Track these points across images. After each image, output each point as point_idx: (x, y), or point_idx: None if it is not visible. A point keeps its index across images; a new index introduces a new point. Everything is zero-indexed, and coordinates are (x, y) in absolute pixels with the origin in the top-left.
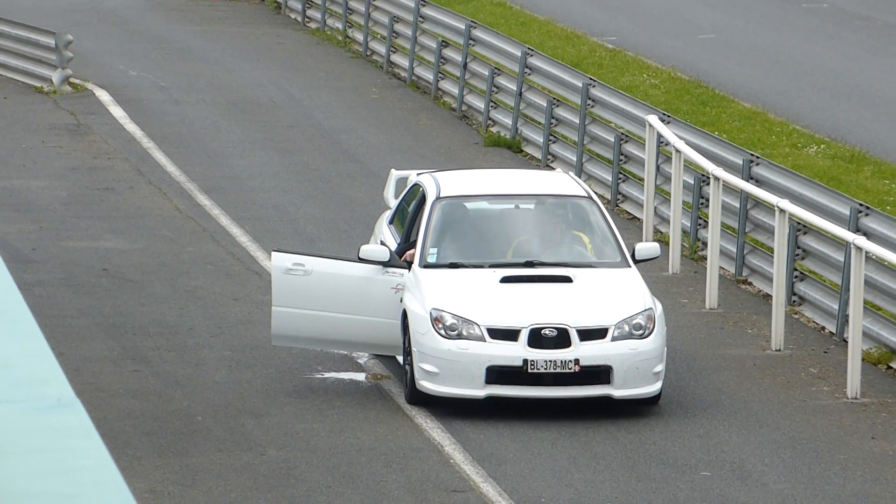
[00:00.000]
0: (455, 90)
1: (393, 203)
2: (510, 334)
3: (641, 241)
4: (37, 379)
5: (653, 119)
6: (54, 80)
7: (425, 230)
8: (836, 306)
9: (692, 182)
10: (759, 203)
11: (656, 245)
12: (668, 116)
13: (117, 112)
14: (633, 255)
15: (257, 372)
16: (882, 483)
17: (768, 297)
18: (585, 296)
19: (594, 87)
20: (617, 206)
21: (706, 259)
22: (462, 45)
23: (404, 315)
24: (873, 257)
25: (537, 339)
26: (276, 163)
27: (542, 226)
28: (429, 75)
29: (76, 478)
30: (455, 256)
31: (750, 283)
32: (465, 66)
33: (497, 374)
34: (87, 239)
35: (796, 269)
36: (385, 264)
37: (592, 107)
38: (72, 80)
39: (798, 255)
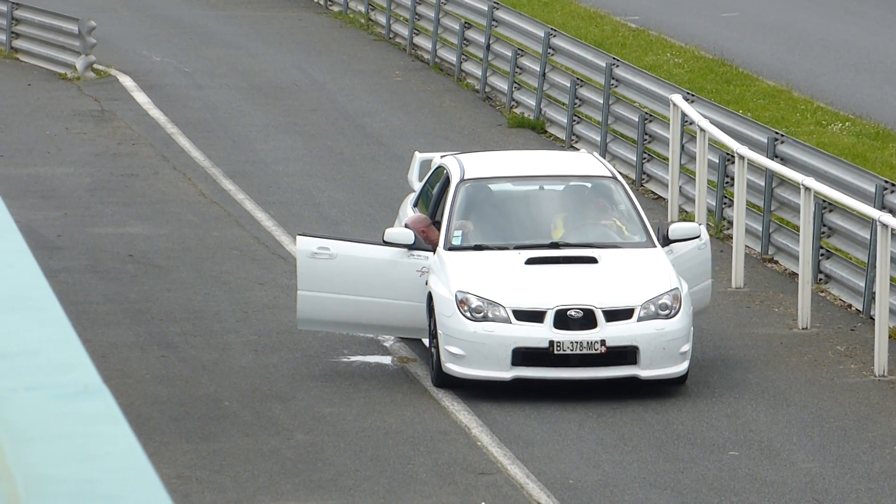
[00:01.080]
0: (478, 72)
1: (417, 186)
2: (536, 316)
3: (667, 220)
4: (63, 365)
5: (677, 98)
6: (78, 66)
7: (450, 212)
8: (862, 284)
9: (717, 161)
10: (784, 181)
11: (695, 225)
12: (693, 95)
13: (141, 98)
14: (666, 236)
15: (284, 356)
16: None
17: (794, 275)
18: (611, 276)
19: (618, 66)
20: (642, 185)
21: (732, 238)
22: (485, 27)
23: (430, 298)
24: None
25: (563, 320)
26: (299, 147)
27: (567, 206)
28: (452, 57)
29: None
30: (480, 238)
31: (776, 262)
32: (488, 47)
33: (523, 355)
34: (113, 225)
35: (822, 247)
36: (410, 247)
37: (616, 87)
38: (95, 66)
39: (824, 232)
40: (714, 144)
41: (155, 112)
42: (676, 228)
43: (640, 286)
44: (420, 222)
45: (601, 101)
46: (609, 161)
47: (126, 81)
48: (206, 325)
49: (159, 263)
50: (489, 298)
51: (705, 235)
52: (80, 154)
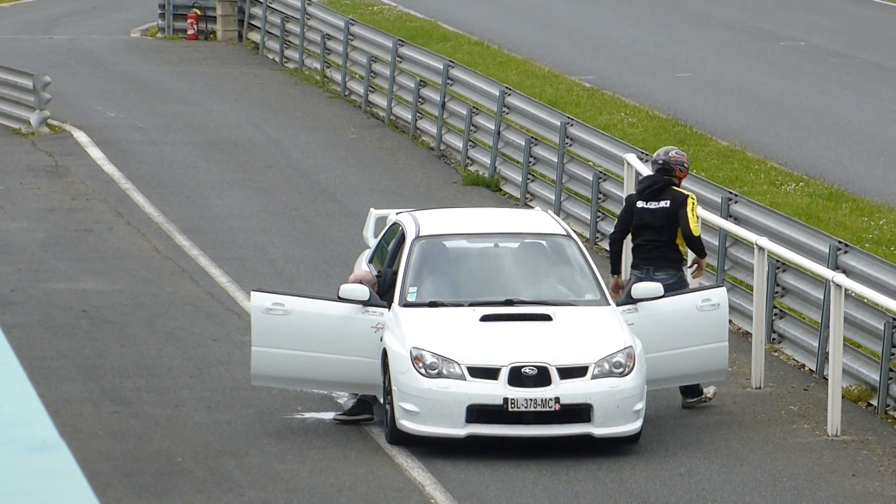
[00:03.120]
0: (433, 129)
1: (372, 242)
2: (490, 373)
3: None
4: (21, 419)
5: (631, 157)
6: (32, 121)
7: (405, 269)
8: (815, 344)
9: None
10: (737, 241)
11: (658, 285)
12: (647, 154)
13: (95, 153)
14: (629, 295)
15: (237, 412)
16: None
17: (748, 334)
18: (565, 334)
19: (572, 125)
20: (596, 244)
21: None
22: (440, 85)
23: (384, 354)
24: (853, 294)
25: (517, 377)
26: (254, 203)
27: (521, 264)
28: (407, 115)
29: None
30: (435, 295)
31: (729, 321)
32: (443, 105)
33: (477, 412)
34: (66, 280)
35: (776, 307)
36: (365, 303)
37: (570, 145)
38: (50, 121)
39: (777, 292)
40: None
41: (109, 167)
42: (639, 288)
43: (594, 344)
44: (364, 279)
45: (556, 160)
46: (563, 219)
47: (80, 137)
48: (160, 381)
49: (113, 319)
50: (444, 355)
51: (719, 297)
52: (34, 209)
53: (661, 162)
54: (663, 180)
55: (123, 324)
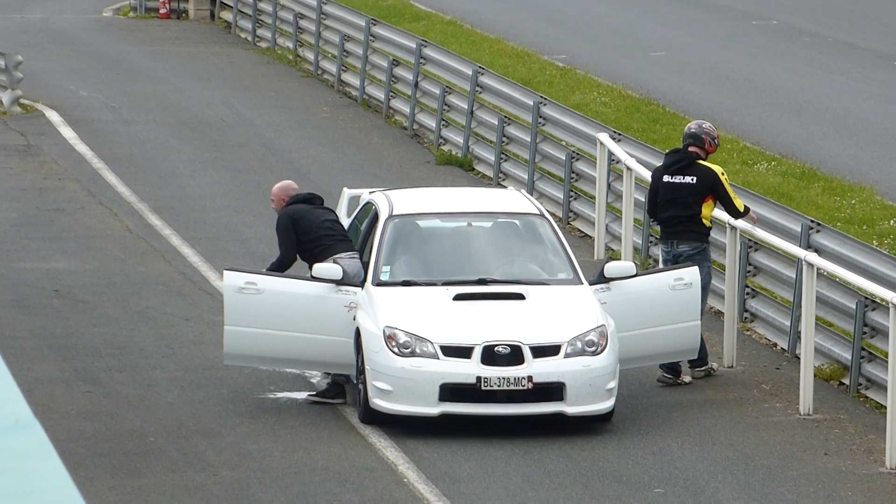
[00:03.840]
0: (406, 109)
1: (346, 222)
2: (463, 352)
3: (593, 258)
4: None
5: (604, 137)
6: (4, 100)
7: (378, 248)
8: (787, 323)
9: (643, 199)
10: None
11: (630, 264)
12: (619, 134)
13: (67, 133)
14: (602, 274)
15: (210, 392)
16: (835, 500)
17: (720, 314)
18: (538, 313)
19: (545, 105)
20: (569, 223)
21: None
22: (413, 64)
23: (357, 333)
24: (825, 273)
25: (490, 356)
26: (227, 182)
27: (494, 243)
28: (380, 94)
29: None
30: (408, 274)
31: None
32: (416, 84)
33: (450, 391)
34: (38, 260)
35: (748, 286)
36: (338, 282)
37: (543, 125)
38: (21, 100)
39: (749, 271)
40: (640, 183)
41: (81, 147)
42: (612, 267)
43: (567, 323)
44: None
45: (528, 140)
46: (536, 199)
47: (53, 116)
48: (132, 360)
49: (85, 299)
50: (417, 334)
51: (691, 276)
52: (6, 189)
53: (693, 131)
54: (689, 156)
55: (95, 303)
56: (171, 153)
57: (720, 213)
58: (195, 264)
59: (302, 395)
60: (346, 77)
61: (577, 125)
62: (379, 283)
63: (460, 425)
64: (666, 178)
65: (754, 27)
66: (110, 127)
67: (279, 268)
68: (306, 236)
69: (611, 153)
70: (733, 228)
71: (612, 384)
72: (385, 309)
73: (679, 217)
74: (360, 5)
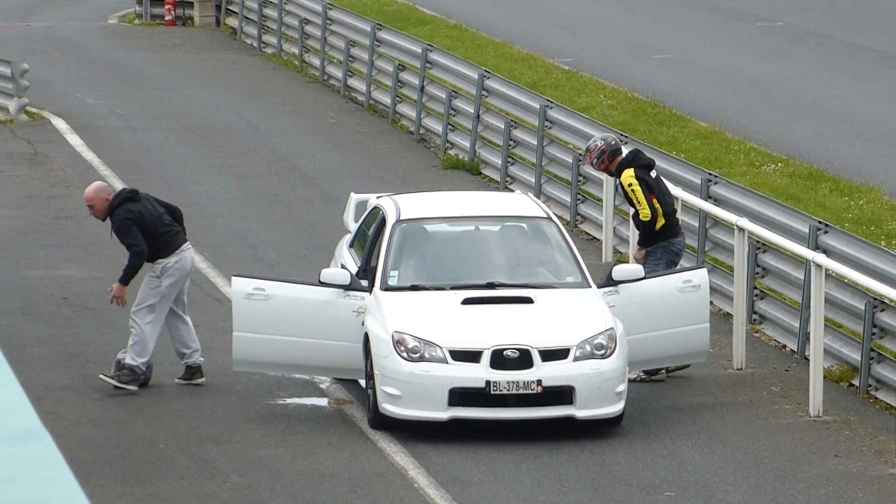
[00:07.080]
0: (413, 113)
1: (353, 227)
2: (472, 356)
3: (601, 261)
4: (3, 408)
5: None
6: (10, 108)
7: (386, 253)
8: (796, 324)
9: None
10: (717, 222)
11: (639, 267)
12: (626, 136)
13: (74, 140)
14: (610, 277)
15: (219, 398)
16: (846, 501)
17: (729, 315)
18: (547, 316)
19: (551, 108)
20: (576, 226)
21: None
22: (419, 69)
23: (366, 338)
24: (833, 274)
25: (499, 360)
26: (234, 188)
27: (502, 247)
28: (386, 99)
29: None
30: (416, 279)
31: (711, 303)
32: (422, 89)
33: (460, 396)
34: (46, 268)
35: (756, 288)
36: (346, 288)
37: (550, 128)
38: (28, 108)
39: (758, 273)
40: None
41: (88, 154)
42: (620, 270)
43: (575, 326)
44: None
45: (535, 143)
46: (544, 202)
47: (59, 124)
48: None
49: (93, 306)
50: (426, 339)
51: (699, 278)
52: (14, 197)
53: (612, 143)
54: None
55: (104, 311)
56: (177, 160)
57: (726, 215)
58: (203, 271)
59: (310, 402)
60: (353, 82)
61: (584, 128)
62: (387, 288)
63: (470, 430)
64: (653, 174)
65: (760, 29)
66: (117, 134)
67: (140, 258)
68: (150, 234)
69: None
70: (741, 230)
71: (622, 387)
72: (393, 314)
73: (673, 207)
74: (365, 10)
